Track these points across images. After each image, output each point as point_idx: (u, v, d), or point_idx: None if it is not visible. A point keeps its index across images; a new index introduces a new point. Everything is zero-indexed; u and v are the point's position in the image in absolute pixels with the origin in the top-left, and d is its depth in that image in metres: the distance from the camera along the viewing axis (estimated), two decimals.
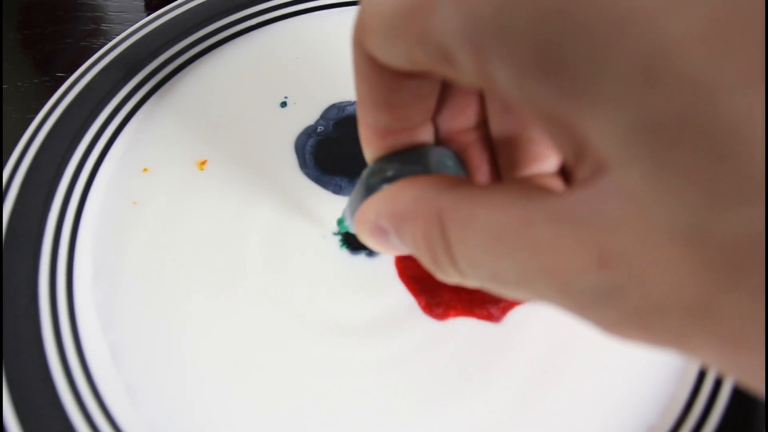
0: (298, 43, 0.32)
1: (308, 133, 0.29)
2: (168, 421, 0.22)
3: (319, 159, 0.28)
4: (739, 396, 0.22)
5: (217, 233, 0.26)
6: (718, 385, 0.23)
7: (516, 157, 0.16)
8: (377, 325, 0.24)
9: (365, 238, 0.16)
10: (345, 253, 0.26)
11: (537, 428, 0.22)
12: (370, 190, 0.16)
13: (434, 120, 0.16)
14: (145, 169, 0.28)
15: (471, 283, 0.13)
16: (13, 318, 0.23)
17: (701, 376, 0.23)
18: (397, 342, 0.24)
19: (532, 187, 0.11)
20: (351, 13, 0.33)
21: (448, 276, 0.13)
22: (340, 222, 0.20)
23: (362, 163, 0.17)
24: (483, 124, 0.16)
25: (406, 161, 0.15)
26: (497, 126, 0.16)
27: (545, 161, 0.15)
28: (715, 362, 0.09)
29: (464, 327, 0.24)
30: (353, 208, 0.17)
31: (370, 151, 0.16)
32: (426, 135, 0.16)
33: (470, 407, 0.22)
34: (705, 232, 0.08)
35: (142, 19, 0.32)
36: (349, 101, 0.30)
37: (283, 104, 0.30)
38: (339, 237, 0.26)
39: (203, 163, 0.28)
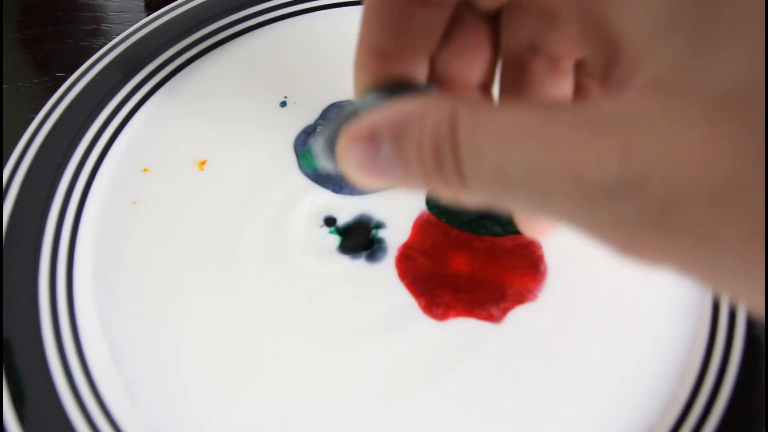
0: (298, 43, 0.32)
1: (308, 132, 0.29)
2: (168, 421, 0.22)
3: None
4: (739, 396, 0.22)
5: (216, 233, 0.26)
6: (718, 384, 0.23)
7: None
8: (377, 325, 0.24)
9: (347, 156, 0.14)
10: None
11: (537, 428, 0.22)
12: (353, 114, 0.15)
13: (434, 60, 0.16)
14: (145, 169, 0.28)
15: (471, 195, 0.12)
16: (13, 318, 0.23)
17: (702, 375, 0.23)
18: (398, 343, 0.24)
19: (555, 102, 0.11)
20: (352, 12, 0.33)
21: (447, 185, 0.12)
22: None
23: None
24: (488, 86, 0.16)
25: (395, 94, 0.15)
26: (507, 86, 0.16)
27: None
28: (736, 273, 0.09)
29: (464, 327, 0.24)
30: (330, 138, 0.15)
31: (361, 77, 0.16)
32: (420, 70, 0.16)
33: (471, 407, 0.22)
34: (748, 94, 0.07)
35: (142, 19, 0.32)
36: (349, 101, 0.30)
37: (283, 104, 0.30)
38: (338, 244, 0.26)
39: (203, 163, 0.28)
